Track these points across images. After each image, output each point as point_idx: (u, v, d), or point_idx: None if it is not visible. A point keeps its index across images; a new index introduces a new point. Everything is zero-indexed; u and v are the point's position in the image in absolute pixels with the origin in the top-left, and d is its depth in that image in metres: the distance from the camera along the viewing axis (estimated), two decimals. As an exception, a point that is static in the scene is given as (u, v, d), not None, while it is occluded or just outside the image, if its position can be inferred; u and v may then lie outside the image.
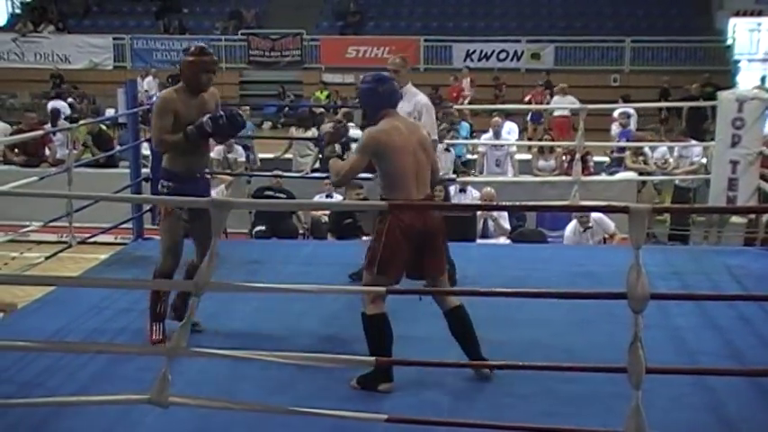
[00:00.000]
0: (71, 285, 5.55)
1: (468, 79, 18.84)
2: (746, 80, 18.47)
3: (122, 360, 4.47)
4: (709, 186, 7.40)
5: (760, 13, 19.95)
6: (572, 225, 8.61)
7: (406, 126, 4.47)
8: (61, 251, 6.54)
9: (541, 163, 11.91)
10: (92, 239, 7.07)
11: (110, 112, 16.01)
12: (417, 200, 4.32)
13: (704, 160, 10.74)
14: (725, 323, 5.16)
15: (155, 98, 7.23)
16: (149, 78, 18.86)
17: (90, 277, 6.19)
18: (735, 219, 9.20)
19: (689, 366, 4.41)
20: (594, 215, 8.40)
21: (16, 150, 12.45)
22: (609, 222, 8.44)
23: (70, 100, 18.21)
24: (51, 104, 16.12)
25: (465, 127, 13.18)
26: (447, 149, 11.47)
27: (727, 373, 4.26)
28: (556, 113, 15.38)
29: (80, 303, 5.53)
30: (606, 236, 8.50)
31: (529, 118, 16.07)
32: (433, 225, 4.33)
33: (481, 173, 11.52)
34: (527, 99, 17.01)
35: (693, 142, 11.34)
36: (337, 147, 4.73)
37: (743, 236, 9.12)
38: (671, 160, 11.43)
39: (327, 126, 5.46)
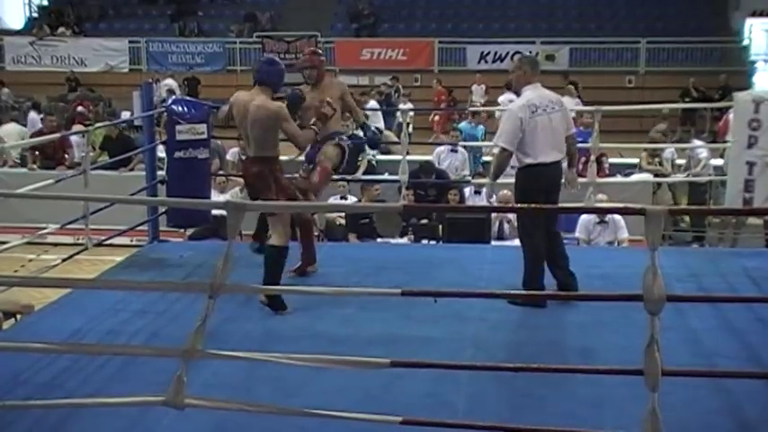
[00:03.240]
0: (87, 287, 5.56)
1: (482, 86, 18.75)
2: (763, 81, 18.35)
3: (138, 362, 4.48)
4: (724, 186, 7.36)
5: (776, 14, 19.81)
6: (586, 216, 8.60)
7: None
8: (78, 253, 6.57)
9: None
10: (108, 242, 7.10)
11: (125, 115, 16.09)
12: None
13: (711, 160, 10.70)
14: (742, 325, 5.12)
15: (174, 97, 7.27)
16: (168, 80, 18.95)
17: (106, 279, 6.21)
18: (752, 220, 9.14)
19: (705, 369, 4.38)
20: (613, 215, 8.38)
21: (37, 153, 12.54)
22: (623, 227, 8.41)
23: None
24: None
25: (481, 130, 13.15)
26: (453, 150, 11.46)
27: (744, 375, 4.23)
28: None
29: (96, 305, 5.55)
30: (615, 239, 8.48)
31: None
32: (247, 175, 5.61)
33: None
34: None
35: (698, 143, 11.28)
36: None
37: (761, 238, 9.05)
38: (680, 161, 11.36)
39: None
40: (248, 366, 4.22)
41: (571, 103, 13.74)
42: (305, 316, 5.35)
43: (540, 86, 5.71)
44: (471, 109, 13.59)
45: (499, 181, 5.93)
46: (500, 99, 17.48)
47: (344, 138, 6.37)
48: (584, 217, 8.63)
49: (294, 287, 4.85)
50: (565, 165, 5.84)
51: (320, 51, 6.54)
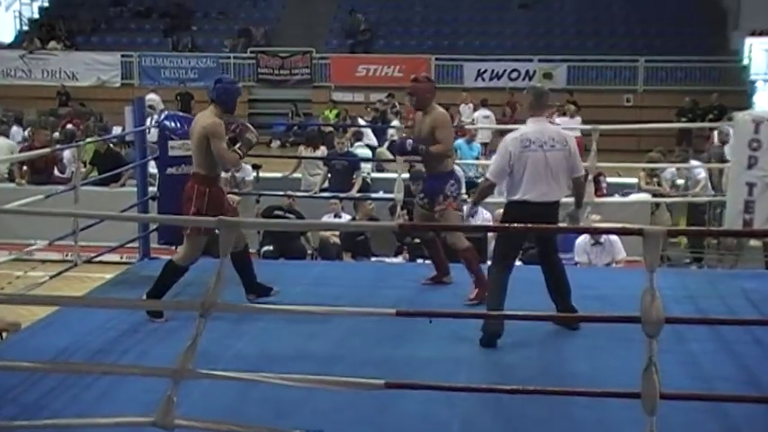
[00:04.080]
0: (76, 305, 5.56)
1: (470, 105, 18.66)
2: (763, 101, 18.45)
3: (127, 382, 4.47)
4: (723, 206, 7.38)
5: (776, 33, 19.94)
6: (584, 237, 8.61)
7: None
8: (66, 270, 6.56)
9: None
10: (97, 258, 7.09)
11: (116, 130, 16.08)
12: None
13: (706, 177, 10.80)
14: (741, 348, 5.13)
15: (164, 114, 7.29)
16: (151, 95, 18.88)
17: (95, 297, 6.20)
18: (752, 242, 9.16)
19: (704, 392, 4.38)
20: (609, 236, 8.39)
21: (25, 168, 12.52)
22: (620, 247, 8.43)
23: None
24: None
25: (476, 147, 13.20)
26: None
27: (743, 399, 4.23)
28: None
29: (85, 324, 5.53)
30: (612, 260, 8.49)
31: None
32: None
33: (492, 193, 11.50)
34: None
35: (696, 163, 11.32)
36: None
37: (762, 260, 9.08)
38: (680, 181, 11.41)
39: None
40: (240, 387, 4.21)
41: (572, 123, 13.84)
42: (298, 336, 5.34)
43: (545, 121, 5.54)
44: (470, 127, 13.62)
45: (495, 199, 5.96)
46: (475, 115, 17.63)
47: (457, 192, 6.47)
48: (579, 240, 8.64)
49: (289, 306, 4.84)
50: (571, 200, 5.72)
51: (422, 78, 6.31)
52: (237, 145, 5.74)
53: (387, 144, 13.50)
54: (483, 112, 17.74)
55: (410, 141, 6.28)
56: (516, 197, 5.38)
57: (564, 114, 15.77)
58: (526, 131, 5.39)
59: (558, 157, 5.34)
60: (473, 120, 17.59)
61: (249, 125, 5.88)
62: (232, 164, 5.99)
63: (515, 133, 5.44)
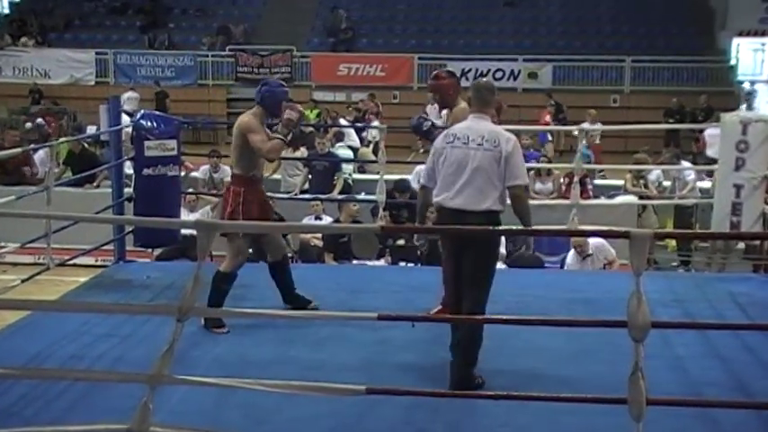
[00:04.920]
0: (49, 310, 5.51)
1: (435, 106, 18.24)
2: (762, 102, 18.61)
3: (102, 388, 4.44)
4: (711, 209, 7.43)
5: (764, 33, 20.08)
6: (573, 252, 8.62)
7: None
8: (38, 274, 6.51)
9: (539, 186, 11.93)
10: (71, 261, 7.05)
11: (91, 130, 16.00)
12: None
13: (698, 181, 10.85)
14: (729, 353, 5.16)
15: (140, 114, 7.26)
16: (129, 93, 18.78)
17: (69, 301, 6.16)
18: (741, 245, 9.22)
19: (692, 398, 4.41)
20: (594, 242, 8.41)
21: (-6, 168, 12.41)
22: (609, 249, 8.45)
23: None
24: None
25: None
26: None
27: (731, 405, 4.26)
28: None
29: (58, 328, 5.50)
30: (606, 262, 8.51)
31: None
32: None
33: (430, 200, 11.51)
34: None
35: (686, 164, 11.41)
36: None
37: (749, 262, 9.13)
38: (666, 183, 11.48)
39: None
40: (218, 392, 4.20)
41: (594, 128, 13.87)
42: (278, 340, 5.33)
43: (487, 121, 4.82)
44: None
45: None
46: (427, 109, 17.49)
47: None
48: (569, 259, 8.66)
49: (269, 310, 4.84)
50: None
51: (443, 74, 6.02)
52: (277, 129, 5.62)
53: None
54: (431, 108, 17.42)
55: (428, 123, 6.07)
56: (435, 198, 4.81)
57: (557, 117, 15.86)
58: (456, 128, 4.91)
59: (484, 157, 4.65)
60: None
61: (293, 105, 5.78)
62: (274, 151, 5.68)
63: (447, 130, 5.00)
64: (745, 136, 6.98)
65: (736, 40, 20.14)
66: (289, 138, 5.68)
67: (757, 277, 7.57)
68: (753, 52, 19.78)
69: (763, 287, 6.83)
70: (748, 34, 20.17)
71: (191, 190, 10.74)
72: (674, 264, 10.49)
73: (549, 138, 16.62)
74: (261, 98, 5.72)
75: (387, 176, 8.00)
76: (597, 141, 15.60)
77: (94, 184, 11.58)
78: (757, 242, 8.75)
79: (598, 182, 11.89)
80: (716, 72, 20.11)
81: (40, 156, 12.21)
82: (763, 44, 19.73)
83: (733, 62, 20.17)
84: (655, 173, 11.57)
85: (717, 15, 21.50)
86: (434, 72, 6.13)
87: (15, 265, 7.71)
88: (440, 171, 4.76)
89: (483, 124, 4.79)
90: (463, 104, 5.75)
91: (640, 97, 19.90)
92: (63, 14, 23.97)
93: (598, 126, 14.19)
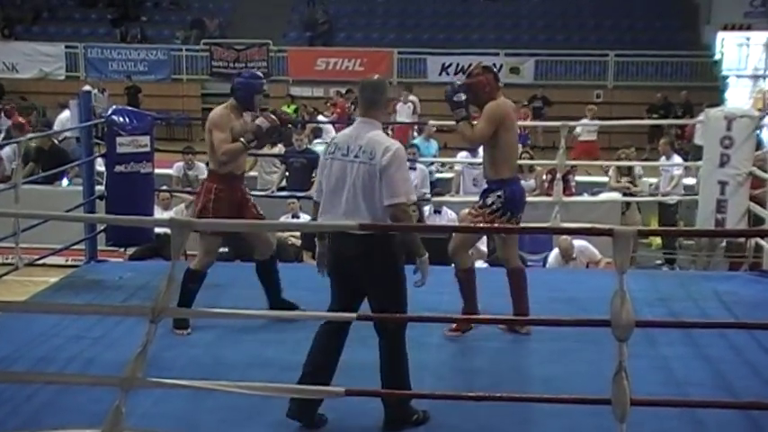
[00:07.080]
0: (17, 311, 5.47)
1: (409, 105, 17.14)
2: (735, 96, 18.72)
3: (73, 391, 4.42)
4: (696, 206, 7.47)
5: (749, 27, 20.24)
6: (555, 253, 8.64)
7: None
8: (6, 274, 6.46)
9: (521, 183, 11.98)
10: (41, 261, 7.00)
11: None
12: None
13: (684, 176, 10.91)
14: (714, 352, 5.19)
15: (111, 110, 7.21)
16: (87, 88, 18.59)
17: (38, 302, 6.11)
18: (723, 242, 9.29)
19: (676, 398, 4.44)
20: (578, 244, 8.45)
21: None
22: (593, 251, 8.49)
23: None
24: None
25: (434, 145, 13.16)
26: (412, 167, 11.50)
27: (716, 405, 4.29)
28: (582, 138, 15.46)
29: (27, 331, 5.46)
30: (591, 263, 8.55)
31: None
32: None
33: (458, 192, 11.56)
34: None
35: (677, 158, 11.45)
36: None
37: (733, 260, 9.21)
38: (652, 180, 11.54)
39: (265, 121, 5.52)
40: (193, 395, 4.18)
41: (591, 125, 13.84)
42: (255, 342, 5.32)
43: (374, 127, 4.20)
44: (434, 123, 13.63)
45: (461, 198, 5.93)
46: (398, 107, 17.20)
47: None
48: (552, 255, 8.68)
49: (245, 311, 4.82)
50: None
51: (475, 70, 5.64)
52: (244, 133, 5.46)
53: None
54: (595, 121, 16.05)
55: (461, 95, 5.53)
56: (319, 220, 4.36)
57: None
58: (340, 135, 4.40)
59: (360, 171, 4.11)
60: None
61: (271, 114, 5.65)
62: (228, 156, 5.47)
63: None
64: (729, 132, 7.01)
65: (720, 35, 20.26)
66: (252, 145, 5.50)
67: (742, 275, 7.62)
68: (737, 47, 19.91)
69: (748, 285, 6.88)
70: (733, 28, 20.30)
71: (164, 187, 10.68)
72: (659, 262, 10.57)
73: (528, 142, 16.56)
74: (232, 89, 5.65)
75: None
76: (594, 138, 15.70)
77: (63, 181, 11.52)
78: (741, 239, 8.82)
79: (581, 178, 11.93)
80: (700, 67, 20.25)
81: (6, 152, 12.12)
82: (748, 39, 19.87)
83: (717, 57, 20.31)
84: (637, 168, 11.65)
85: (701, 9, 21.66)
86: (467, 71, 5.79)
87: (-18, 265, 7.65)
88: (323, 186, 4.28)
89: (366, 131, 4.18)
90: (498, 101, 5.51)
91: (624, 92, 20.00)
92: (31, 6, 23.77)
93: (584, 122, 14.19)
